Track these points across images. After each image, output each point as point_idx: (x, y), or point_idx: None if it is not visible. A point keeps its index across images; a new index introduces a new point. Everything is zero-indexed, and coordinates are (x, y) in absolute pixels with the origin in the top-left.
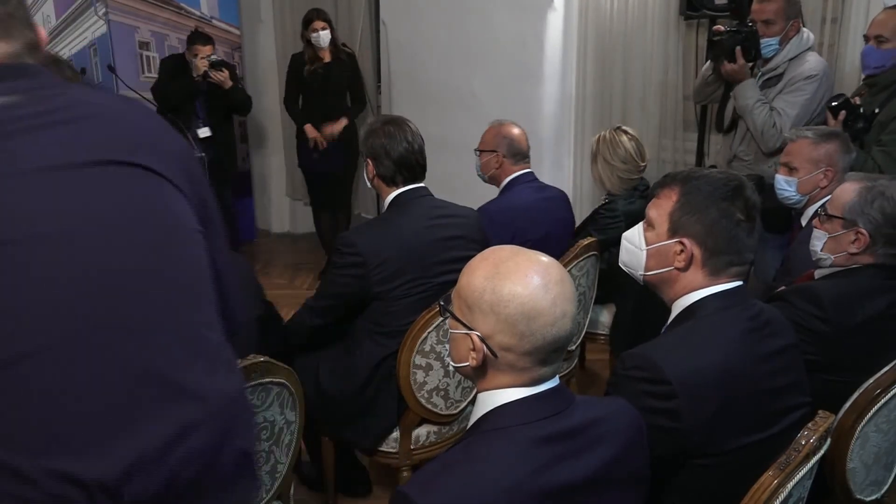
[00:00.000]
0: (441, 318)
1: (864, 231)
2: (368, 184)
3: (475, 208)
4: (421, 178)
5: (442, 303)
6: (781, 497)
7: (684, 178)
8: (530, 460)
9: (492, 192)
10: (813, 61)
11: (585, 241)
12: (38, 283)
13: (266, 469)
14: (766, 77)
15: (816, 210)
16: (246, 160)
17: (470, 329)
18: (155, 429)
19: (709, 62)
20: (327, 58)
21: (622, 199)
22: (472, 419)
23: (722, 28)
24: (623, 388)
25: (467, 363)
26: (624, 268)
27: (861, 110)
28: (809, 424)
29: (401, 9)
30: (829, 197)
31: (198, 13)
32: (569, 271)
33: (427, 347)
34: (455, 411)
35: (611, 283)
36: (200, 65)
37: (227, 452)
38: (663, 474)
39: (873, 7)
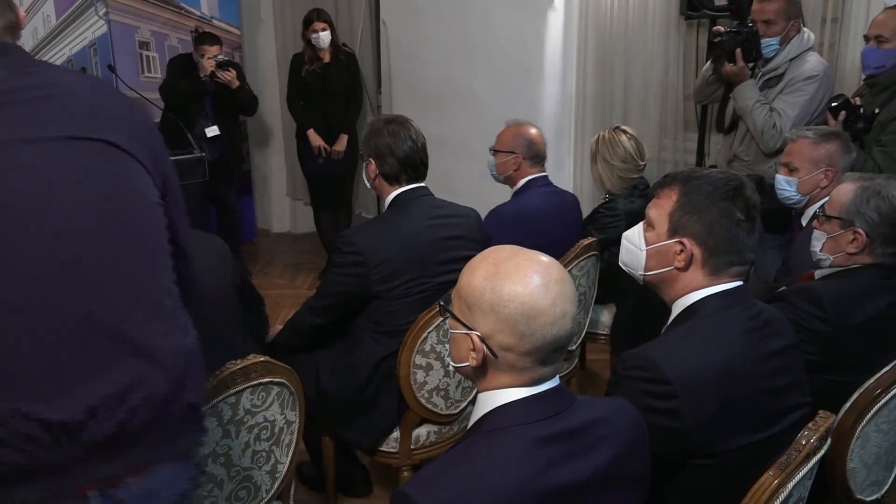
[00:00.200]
0: (441, 318)
1: (861, 231)
2: (368, 184)
3: (480, 209)
4: (424, 176)
5: (442, 303)
6: (782, 497)
7: (684, 178)
8: (531, 460)
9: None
10: (813, 62)
11: (585, 241)
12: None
13: (266, 469)
14: (767, 77)
15: (816, 210)
16: (246, 160)
17: (470, 329)
18: (114, 378)
19: (709, 62)
20: (327, 58)
21: (622, 197)
22: (473, 419)
23: (722, 29)
24: (623, 387)
25: (467, 363)
26: (624, 268)
27: (861, 110)
28: (810, 424)
29: (401, 9)
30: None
31: (198, 13)
32: (569, 271)
33: (427, 347)
34: (455, 411)
35: (611, 283)
36: (207, 65)
37: (177, 403)
38: (663, 474)
39: (873, 7)
